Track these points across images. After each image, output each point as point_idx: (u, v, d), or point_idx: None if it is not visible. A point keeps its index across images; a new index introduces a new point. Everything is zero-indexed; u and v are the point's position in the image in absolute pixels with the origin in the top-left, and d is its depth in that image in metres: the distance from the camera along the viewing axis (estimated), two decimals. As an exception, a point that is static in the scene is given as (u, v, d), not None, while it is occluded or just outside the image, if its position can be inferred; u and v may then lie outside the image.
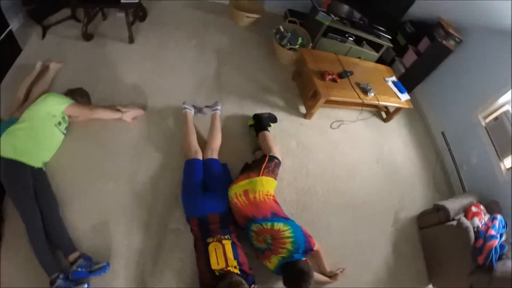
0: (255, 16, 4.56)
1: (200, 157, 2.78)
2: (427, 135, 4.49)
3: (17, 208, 2.21)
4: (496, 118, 3.76)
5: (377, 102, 3.71)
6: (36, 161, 2.40)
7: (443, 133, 4.25)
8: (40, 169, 2.44)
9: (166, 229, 2.55)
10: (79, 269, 2.12)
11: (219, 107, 3.20)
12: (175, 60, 3.79)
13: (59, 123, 2.59)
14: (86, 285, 2.12)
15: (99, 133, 2.91)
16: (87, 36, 3.60)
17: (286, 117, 3.71)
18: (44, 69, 3.10)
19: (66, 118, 2.69)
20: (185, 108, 3.12)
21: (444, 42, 4.25)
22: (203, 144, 2.94)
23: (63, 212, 2.37)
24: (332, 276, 2.70)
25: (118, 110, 2.95)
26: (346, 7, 4.38)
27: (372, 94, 3.66)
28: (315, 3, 4.43)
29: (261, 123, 3.24)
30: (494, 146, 3.62)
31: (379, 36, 4.46)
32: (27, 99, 2.85)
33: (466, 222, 2.89)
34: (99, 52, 3.54)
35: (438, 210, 3.22)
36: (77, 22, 3.73)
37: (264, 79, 4.04)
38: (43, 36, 3.52)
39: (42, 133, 2.47)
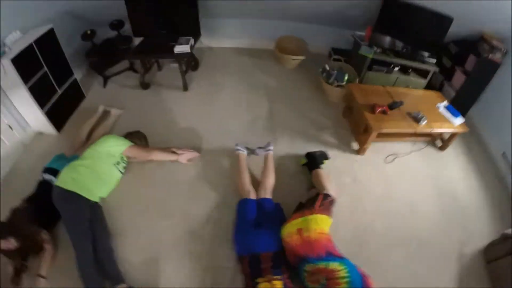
0: (300, 58, 4.73)
1: (253, 196, 2.84)
2: (488, 160, 4.19)
3: (70, 237, 2.37)
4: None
5: (430, 130, 3.61)
6: (94, 196, 2.59)
7: (504, 154, 3.98)
8: (96, 203, 2.62)
9: (216, 268, 2.57)
10: None
11: (271, 148, 3.29)
12: (228, 104, 4.01)
13: (118, 163, 2.81)
14: None
15: (156, 173, 3.13)
16: (144, 85, 3.99)
17: (339, 154, 3.71)
18: (106, 114, 3.45)
19: (125, 158, 2.91)
20: (238, 149, 3.25)
21: (490, 56, 4.09)
22: (257, 183, 3.02)
23: (116, 244, 2.54)
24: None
25: (174, 152, 3.12)
26: (387, 38, 4.44)
27: (425, 122, 3.57)
28: (357, 38, 4.55)
29: (313, 161, 3.26)
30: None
31: (424, 62, 4.43)
32: (89, 140, 3.16)
33: (536, 249, 2.62)
34: (155, 99, 3.87)
35: (506, 240, 2.93)
36: (135, 73, 4.15)
37: (315, 117, 4.12)
38: (104, 84, 3.97)
39: (102, 171, 2.68)
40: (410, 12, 4.11)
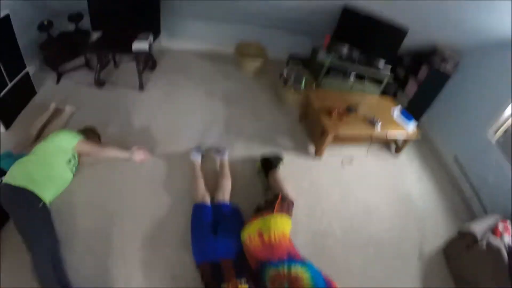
0: (259, 62, 4.73)
1: (207, 201, 2.72)
2: (440, 163, 4.36)
3: (24, 238, 2.12)
4: (505, 132, 3.67)
5: (385, 135, 3.69)
6: (44, 194, 2.35)
7: (455, 158, 4.13)
8: (44, 205, 2.35)
9: (172, 275, 2.38)
10: None
11: (226, 153, 3.25)
12: (184, 106, 3.92)
13: (69, 161, 2.61)
14: None
15: (106, 174, 2.95)
16: (99, 83, 3.81)
17: (296, 157, 3.69)
18: (58, 112, 3.23)
19: (76, 156, 2.72)
20: (193, 157, 3.17)
21: (441, 67, 4.30)
22: (213, 187, 2.92)
23: (64, 251, 2.27)
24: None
25: (127, 150, 2.98)
26: (345, 46, 4.52)
27: (379, 126, 3.64)
28: (315, 45, 4.59)
29: (269, 163, 3.21)
30: (508, 159, 3.44)
31: (378, 69, 4.54)
32: (39, 138, 2.92)
33: (495, 241, 2.70)
34: (110, 98, 3.71)
35: (464, 236, 2.98)
36: (90, 70, 3.94)
37: (272, 122, 4.09)
38: (58, 81, 3.74)
39: (52, 167, 2.49)
40: (367, 23, 4.20)
